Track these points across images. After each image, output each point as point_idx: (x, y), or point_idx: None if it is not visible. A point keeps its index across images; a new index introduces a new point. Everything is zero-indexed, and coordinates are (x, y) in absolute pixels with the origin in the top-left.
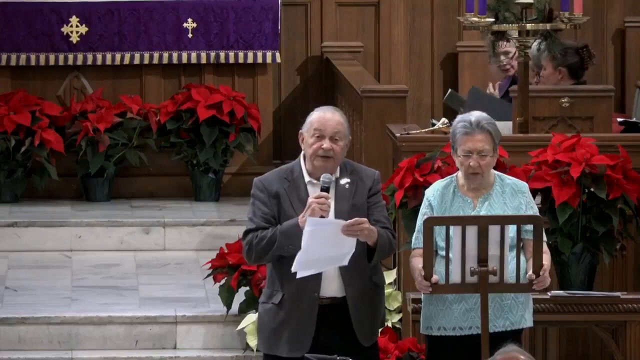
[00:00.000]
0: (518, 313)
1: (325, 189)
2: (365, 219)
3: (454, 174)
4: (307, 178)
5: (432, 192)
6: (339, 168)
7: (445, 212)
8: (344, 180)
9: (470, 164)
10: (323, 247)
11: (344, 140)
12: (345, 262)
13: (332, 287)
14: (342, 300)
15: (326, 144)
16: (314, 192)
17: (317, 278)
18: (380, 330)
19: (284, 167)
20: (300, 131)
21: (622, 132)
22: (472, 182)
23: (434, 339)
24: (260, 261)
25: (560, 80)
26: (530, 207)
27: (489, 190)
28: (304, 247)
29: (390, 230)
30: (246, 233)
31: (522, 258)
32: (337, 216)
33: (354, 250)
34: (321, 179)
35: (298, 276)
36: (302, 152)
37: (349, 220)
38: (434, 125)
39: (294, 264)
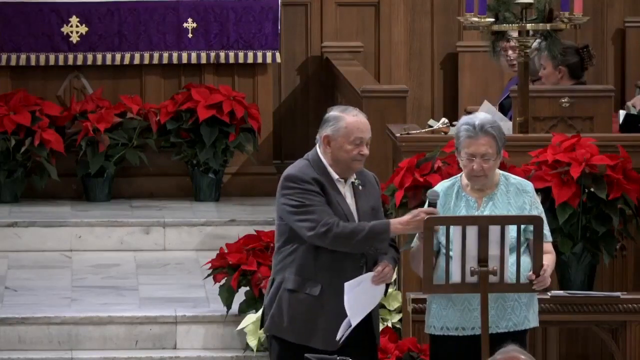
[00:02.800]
0: (521, 314)
1: (434, 205)
2: (385, 262)
3: (459, 175)
4: (335, 176)
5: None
6: None
7: (447, 213)
8: (357, 181)
9: (474, 167)
10: (362, 301)
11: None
12: (382, 295)
13: None
14: None
15: (365, 150)
16: (343, 190)
17: (356, 274)
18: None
19: (305, 163)
20: (326, 134)
21: (622, 126)
22: (475, 183)
23: (437, 339)
24: (333, 247)
25: (559, 80)
26: (535, 207)
27: (494, 190)
28: (349, 314)
29: (394, 242)
30: (317, 224)
31: (526, 258)
32: (360, 217)
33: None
34: (429, 195)
35: (354, 324)
36: (320, 150)
37: (375, 270)
38: (431, 127)
39: (341, 331)
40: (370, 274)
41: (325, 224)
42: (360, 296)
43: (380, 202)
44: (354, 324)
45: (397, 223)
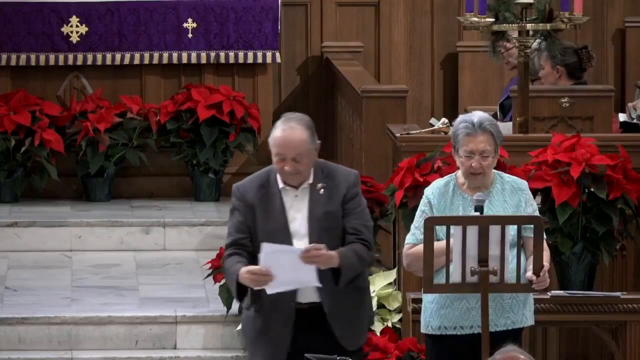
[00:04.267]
0: (519, 312)
1: (480, 209)
2: (322, 245)
3: (454, 173)
4: (280, 184)
5: (431, 191)
6: (312, 173)
7: (444, 210)
8: (319, 185)
9: (472, 164)
10: (282, 271)
11: (307, 157)
12: (316, 283)
13: (309, 293)
14: (320, 305)
15: (288, 166)
16: (287, 198)
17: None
18: (367, 330)
19: (262, 172)
20: (269, 139)
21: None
22: (473, 182)
23: (435, 338)
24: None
25: (558, 80)
26: (530, 204)
27: (489, 189)
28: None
29: (364, 240)
30: (226, 247)
31: (523, 257)
32: (310, 223)
33: (316, 270)
34: (476, 198)
35: (269, 292)
36: None
37: (305, 247)
38: (432, 126)
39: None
40: (299, 248)
41: (223, 259)
42: (283, 265)
43: (350, 204)
44: (269, 291)
45: (244, 272)
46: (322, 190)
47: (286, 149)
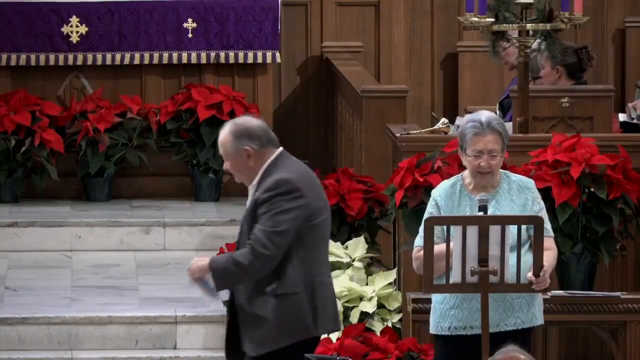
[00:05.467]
0: (529, 311)
1: (484, 209)
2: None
3: (460, 174)
4: None
5: (438, 192)
6: (260, 174)
7: (452, 211)
8: (257, 188)
9: (481, 164)
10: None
11: (230, 160)
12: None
13: (238, 292)
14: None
15: (225, 164)
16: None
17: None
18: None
19: None
20: None
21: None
22: (481, 181)
23: (445, 339)
24: None
25: (557, 80)
26: (537, 202)
27: (496, 189)
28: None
29: (249, 248)
30: None
31: (529, 255)
32: (241, 225)
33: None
34: (480, 197)
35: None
36: None
37: None
38: (434, 117)
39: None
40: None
41: None
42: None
43: (259, 209)
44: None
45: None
46: (256, 193)
47: (219, 147)
